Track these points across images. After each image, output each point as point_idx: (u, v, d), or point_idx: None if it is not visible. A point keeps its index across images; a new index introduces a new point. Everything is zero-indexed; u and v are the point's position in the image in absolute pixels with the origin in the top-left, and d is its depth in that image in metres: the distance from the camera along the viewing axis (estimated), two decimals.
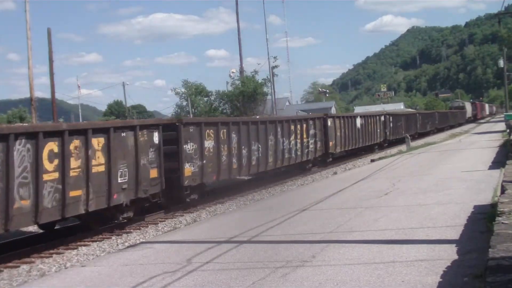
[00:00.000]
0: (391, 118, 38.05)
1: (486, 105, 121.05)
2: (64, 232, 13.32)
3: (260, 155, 20.14)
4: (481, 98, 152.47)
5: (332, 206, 12.24)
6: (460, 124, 71.78)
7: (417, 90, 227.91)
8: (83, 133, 12.32)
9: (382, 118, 36.12)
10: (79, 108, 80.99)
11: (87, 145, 12.28)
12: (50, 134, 11.41)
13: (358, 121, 31.46)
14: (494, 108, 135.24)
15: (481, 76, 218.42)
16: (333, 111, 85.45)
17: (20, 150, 10.68)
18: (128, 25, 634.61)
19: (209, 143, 17.09)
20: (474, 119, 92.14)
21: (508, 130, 32.88)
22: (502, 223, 6.58)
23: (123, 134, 13.61)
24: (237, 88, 43.81)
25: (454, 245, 7.28)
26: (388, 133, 36.94)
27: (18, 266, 10.35)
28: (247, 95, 42.64)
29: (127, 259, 8.96)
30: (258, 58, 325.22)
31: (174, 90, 49.62)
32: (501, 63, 63.06)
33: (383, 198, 12.58)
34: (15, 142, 10.51)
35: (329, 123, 26.69)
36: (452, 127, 64.74)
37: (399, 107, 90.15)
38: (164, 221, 14.61)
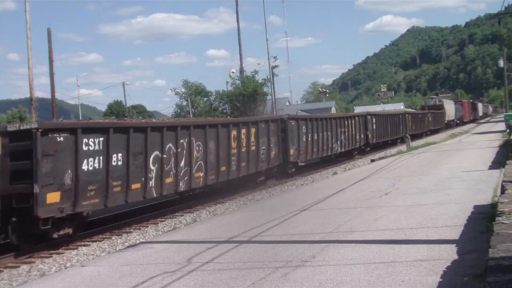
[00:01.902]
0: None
1: (479, 105, 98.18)
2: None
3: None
4: (481, 98, 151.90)
5: (332, 206, 12.24)
6: (433, 131, 52.24)
7: (417, 90, 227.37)
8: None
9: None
10: (79, 108, 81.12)
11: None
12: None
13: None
14: (490, 108, 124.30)
15: (481, 76, 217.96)
16: (333, 111, 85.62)
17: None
18: (128, 25, 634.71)
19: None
20: (461, 122, 70.50)
21: (508, 130, 32.92)
22: (502, 223, 6.57)
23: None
24: (237, 88, 43.82)
25: (454, 245, 7.28)
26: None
27: (18, 266, 10.35)
28: (247, 95, 42.67)
29: (127, 259, 8.96)
30: (258, 58, 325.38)
31: (174, 90, 49.86)
32: (501, 63, 63.15)
33: (383, 198, 12.58)
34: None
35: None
36: (413, 137, 39.57)
37: (399, 107, 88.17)
38: (164, 221, 14.61)
